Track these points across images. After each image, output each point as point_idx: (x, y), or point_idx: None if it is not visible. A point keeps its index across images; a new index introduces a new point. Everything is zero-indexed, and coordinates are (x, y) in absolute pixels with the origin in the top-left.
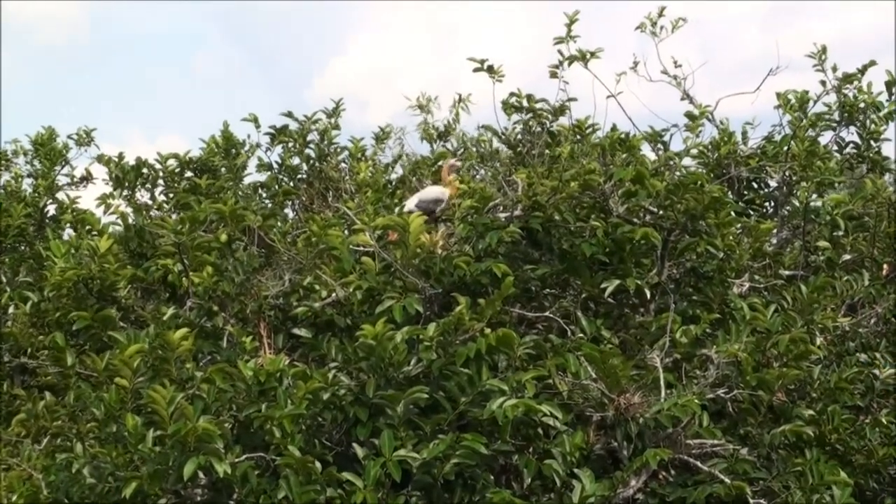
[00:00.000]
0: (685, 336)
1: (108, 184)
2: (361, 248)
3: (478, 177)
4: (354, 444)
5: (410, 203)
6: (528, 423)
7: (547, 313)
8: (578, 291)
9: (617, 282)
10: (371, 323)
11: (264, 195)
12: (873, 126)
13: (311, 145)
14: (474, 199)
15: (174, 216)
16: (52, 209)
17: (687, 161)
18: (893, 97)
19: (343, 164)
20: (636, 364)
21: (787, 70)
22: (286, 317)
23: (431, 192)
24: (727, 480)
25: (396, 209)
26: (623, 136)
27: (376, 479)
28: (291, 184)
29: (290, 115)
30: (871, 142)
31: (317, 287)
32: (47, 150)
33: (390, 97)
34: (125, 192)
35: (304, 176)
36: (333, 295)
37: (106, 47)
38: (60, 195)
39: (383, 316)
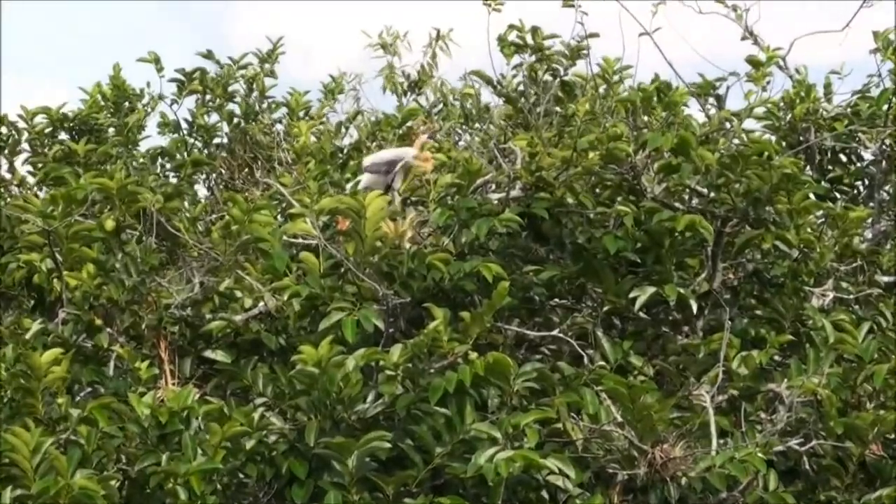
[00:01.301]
0: (745, 365)
1: None
2: (300, 241)
3: (462, 143)
4: None
5: (363, 162)
6: (529, 483)
7: (555, 332)
8: (598, 302)
9: (652, 290)
10: (312, 343)
11: (167, 166)
12: None
13: (236, 99)
14: (456, 173)
15: (42, 194)
16: None
17: (749, 124)
18: None
19: (278, 126)
20: (677, 403)
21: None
22: (196, 334)
23: (388, 150)
24: None
25: (349, 186)
26: (662, 88)
27: None
28: (206, 151)
29: (209, 55)
30: None
31: (238, 294)
32: None
33: (344, 43)
34: None
35: (224, 140)
36: (261, 305)
37: None
38: None
39: (330, 334)
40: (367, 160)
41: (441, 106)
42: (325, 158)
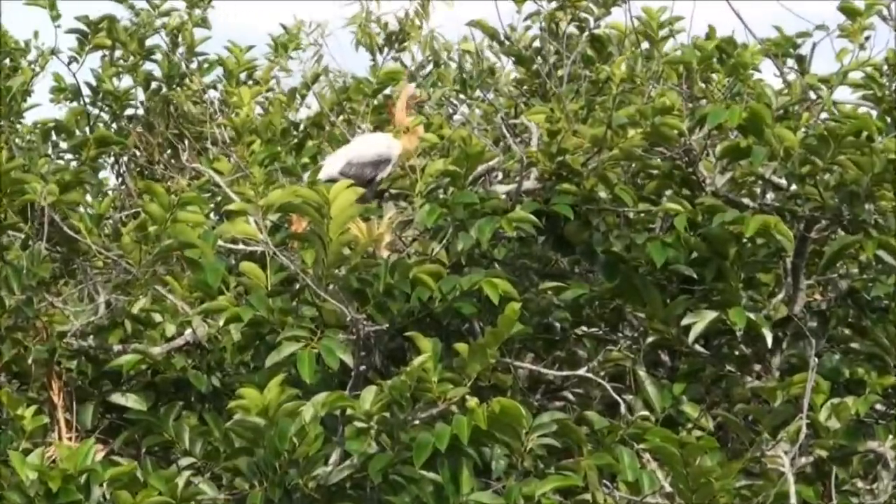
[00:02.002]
0: (837, 417)
1: None
2: (241, 247)
3: (458, 117)
4: None
5: (332, 165)
6: None
7: (582, 371)
8: (640, 331)
9: (711, 315)
10: (257, 385)
11: (63, 146)
12: None
13: (155, 56)
14: (451, 157)
15: None
16: None
17: (842, 93)
18: None
19: (212, 93)
20: (746, 468)
21: None
22: (100, 371)
23: (370, 144)
24: None
25: (306, 175)
26: (725, 46)
27: None
28: (115, 126)
29: None
30: None
31: (158, 317)
32: None
33: None
34: None
35: (140, 112)
36: (188, 333)
37: None
38: None
39: (280, 372)
40: (338, 161)
41: (431, 67)
42: (275, 137)
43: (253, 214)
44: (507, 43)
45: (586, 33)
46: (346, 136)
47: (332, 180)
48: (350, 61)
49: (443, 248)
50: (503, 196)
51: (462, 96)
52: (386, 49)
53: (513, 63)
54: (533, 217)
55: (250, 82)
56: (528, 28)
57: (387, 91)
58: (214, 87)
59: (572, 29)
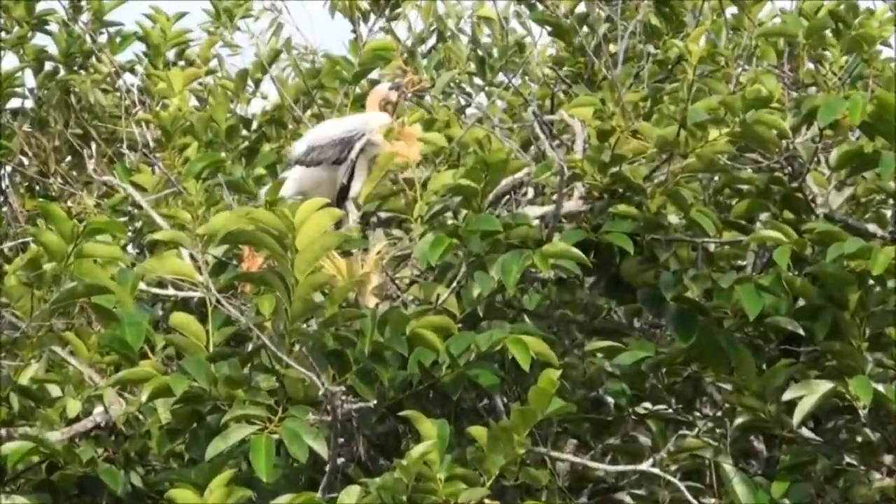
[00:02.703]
0: None
1: None
2: (172, 293)
3: (472, 111)
4: None
5: (290, 159)
6: None
7: (646, 465)
8: (725, 409)
9: (825, 386)
10: (194, 485)
11: None
12: None
13: (50, 27)
14: (464, 169)
15: None
16: None
17: None
18: None
19: (129, 78)
20: None
21: None
22: None
23: (336, 122)
24: None
25: (263, 192)
26: (842, 12)
27: None
28: None
29: None
30: None
31: (56, 391)
32: None
33: None
34: None
35: (29, 104)
36: (98, 412)
37: None
38: None
39: (227, 466)
40: (301, 142)
41: (435, 41)
42: (218, 138)
43: (188, 247)
44: (540, 7)
45: None
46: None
47: (296, 195)
48: (323, 33)
49: (452, 293)
50: (536, 222)
51: (478, 82)
52: (372, 16)
53: (549, 35)
54: (577, 251)
55: (182, 63)
56: None
57: (374, 74)
58: (132, 70)
59: None
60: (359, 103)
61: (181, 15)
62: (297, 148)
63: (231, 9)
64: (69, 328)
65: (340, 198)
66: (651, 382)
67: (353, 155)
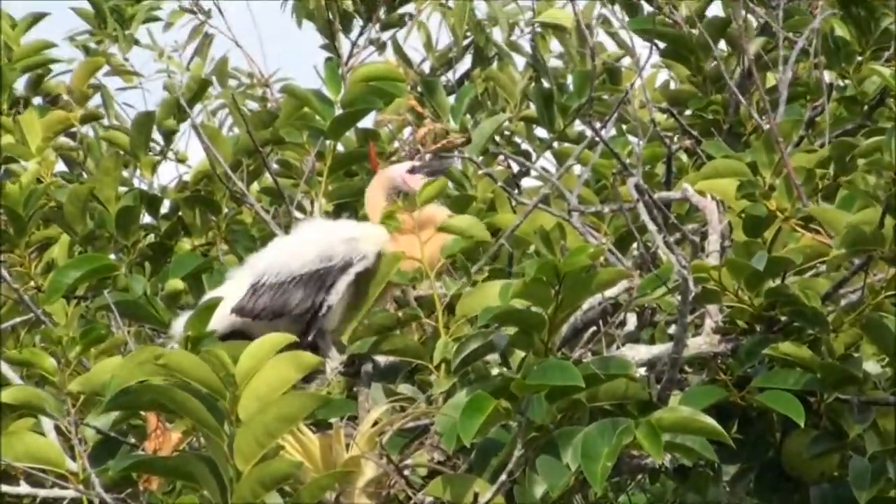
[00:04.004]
0: None
1: None
2: (26, 491)
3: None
4: None
5: (228, 296)
6: None
7: None
8: None
9: None
10: None
11: None
12: None
13: None
14: (519, 281)
15: None
16: None
17: None
18: None
19: None
20: None
21: None
22: None
23: (308, 238)
24: None
25: (178, 323)
26: None
27: None
28: None
29: None
30: None
31: None
32: None
33: None
34: None
35: None
36: None
37: None
38: None
39: None
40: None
41: (470, 65)
42: (105, 229)
43: (53, 414)
44: (646, 8)
45: None
46: (270, 227)
47: (234, 334)
48: (280, 49)
49: (500, 493)
50: (641, 371)
51: (543, 133)
52: (361, 20)
53: (661, 56)
54: (709, 421)
55: (39, 101)
56: None
57: (367, 120)
58: None
59: None
60: (341, 171)
61: (38, 18)
62: (235, 283)
63: (123, 8)
64: None
65: (306, 328)
66: None
67: (333, 299)
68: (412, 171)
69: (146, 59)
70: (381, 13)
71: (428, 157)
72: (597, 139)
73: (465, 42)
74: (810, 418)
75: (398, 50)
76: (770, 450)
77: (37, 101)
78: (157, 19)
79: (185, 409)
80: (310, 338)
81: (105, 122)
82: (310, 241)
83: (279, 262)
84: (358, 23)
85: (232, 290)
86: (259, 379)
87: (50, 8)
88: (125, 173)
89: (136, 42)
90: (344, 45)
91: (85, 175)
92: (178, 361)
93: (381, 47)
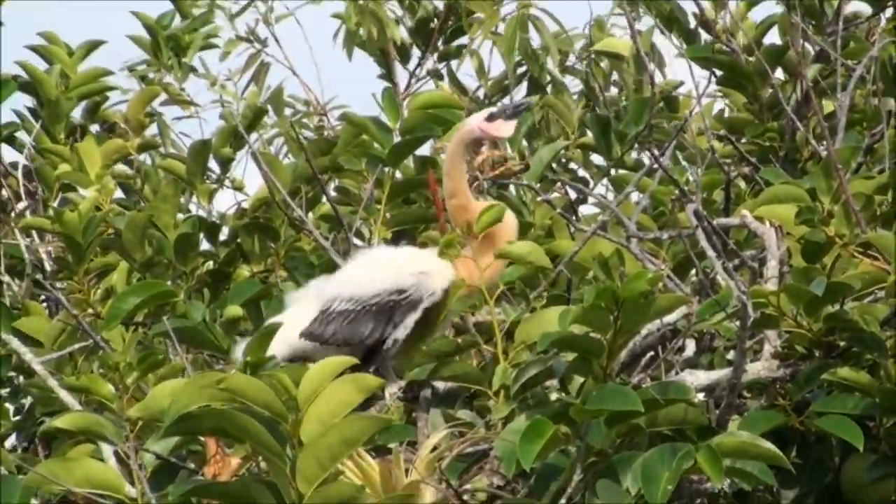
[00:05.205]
0: None
1: None
2: None
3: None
4: None
5: (292, 322)
6: None
7: None
8: None
9: None
10: None
11: None
12: None
13: None
14: (578, 307)
15: None
16: None
17: None
18: None
19: (9, 155)
20: None
21: None
22: None
23: (375, 270)
24: None
25: (239, 349)
26: None
27: None
28: None
29: None
30: None
31: None
32: None
33: None
34: None
35: None
36: None
37: None
38: None
39: None
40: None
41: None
42: (163, 256)
43: (112, 439)
44: (703, 37)
45: (889, 12)
46: (329, 254)
47: (294, 359)
48: (336, 78)
49: None
50: (700, 396)
51: (600, 160)
52: (417, 49)
53: (718, 84)
54: (769, 446)
55: (96, 128)
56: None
57: (425, 148)
58: (11, 141)
59: (857, 5)
60: (399, 198)
61: (94, 46)
62: (299, 309)
63: (179, 37)
64: None
65: (369, 355)
66: None
67: (401, 335)
68: (490, 118)
69: (200, 88)
70: (439, 43)
71: (505, 101)
72: (655, 166)
73: (520, 70)
74: (869, 443)
75: (453, 78)
76: (829, 474)
77: (94, 128)
78: (213, 46)
79: (248, 434)
80: (371, 369)
81: (161, 150)
82: (380, 271)
83: (350, 290)
84: (415, 53)
85: (295, 317)
86: (321, 402)
87: (107, 36)
88: (181, 200)
89: (193, 70)
90: (401, 74)
91: (143, 203)
92: (240, 385)
93: (439, 77)
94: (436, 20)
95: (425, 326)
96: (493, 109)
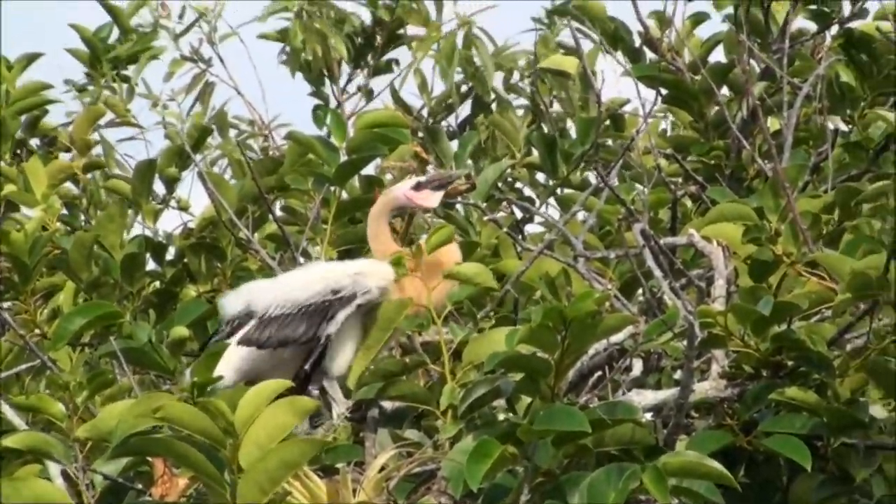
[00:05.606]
0: None
1: None
2: None
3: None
4: None
5: (232, 350)
6: None
7: None
8: None
9: None
10: None
11: None
12: None
13: None
14: (524, 327)
15: None
16: None
17: None
18: None
19: None
20: None
21: None
22: None
23: (312, 274)
24: None
25: (187, 371)
26: None
27: None
28: None
29: None
30: None
31: None
32: None
33: None
34: None
35: None
36: None
37: None
38: None
39: None
40: (245, 303)
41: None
42: (110, 276)
43: (60, 460)
44: (648, 56)
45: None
46: (276, 273)
47: (242, 378)
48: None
49: None
50: (647, 416)
51: (545, 179)
52: (353, 65)
53: (663, 102)
54: (716, 465)
55: (36, 143)
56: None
57: (370, 167)
58: None
59: (803, 23)
60: (345, 218)
61: (32, 58)
62: (235, 311)
63: (121, 55)
64: None
65: (308, 376)
66: None
67: (332, 329)
68: (417, 187)
69: (143, 108)
70: (369, 59)
71: (431, 172)
72: (601, 185)
73: (464, 88)
74: (817, 462)
75: (395, 97)
76: (777, 494)
77: (34, 141)
78: (156, 58)
79: (186, 460)
80: (308, 366)
81: (106, 171)
82: (317, 274)
83: (283, 294)
84: (345, 69)
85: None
86: (258, 426)
87: (47, 44)
88: (129, 220)
89: (132, 91)
90: (332, 91)
91: (89, 223)
92: (177, 413)
93: (369, 94)
94: (363, 35)
95: (362, 329)
96: (421, 178)
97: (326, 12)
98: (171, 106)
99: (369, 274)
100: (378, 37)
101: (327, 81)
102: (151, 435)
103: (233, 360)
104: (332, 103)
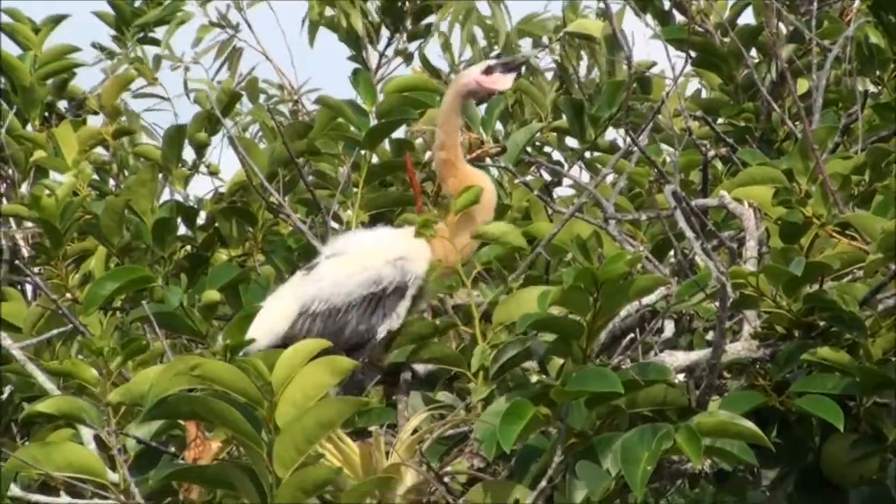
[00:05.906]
0: None
1: None
2: (66, 503)
3: (563, 195)
4: None
5: (272, 318)
6: None
7: None
8: None
9: None
10: None
11: None
12: None
13: None
14: (555, 290)
15: None
16: None
17: None
18: None
19: None
20: None
21: None
22: None
23: (355, 262)
24: None
25: (219, 337)
26: None
27: None
28: None
29: None
30: None
31: None
32: None
33: None
34: None
35: None
36: None
37: None
38: None
39: None
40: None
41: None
42: (141, 241)
43: (92, 424)
44: (678, 18)
45: None
46: (307, 238)
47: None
48: (309, 61)
49: (540, 498)
50: (679, 377)
51: (574, 143)
52: (386, 29)
53: (692, 66)
54: (749, 425)
55: (65, 106)
56: None
57: (399, 131)
58: None
59: None
60: (376, 182)
61: (58, 20)
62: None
63: (149, 20)
64: None
65: (356, 352)
66: None
67: (394, 325)
68: (487, 71)
69: (167, 76)
70: (408, 23)
71: (500, 57)
72: (631, 148)
73: (493, 53)
74: (849, 422)
75: (425, 61)
76: (809, 454)
77: (62, 104)
78: (183, 23)
79: (223, 419)
80: (359, 360)
81: (137, 136)
82: (359, 262)
83: (328, 286)
84: (385, 34)
85: (269, 308)
86: (295, 385)
87: (72, 8)
88: (160, 186)
89: (159, 58)
90: (371, 56)
91: (120, 188)
92: (214, 371)
93: (409, 58)
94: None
95: (412, 309)
96: (491, 62)
97: None
98: (197, 69)
99: (411, 259)
100: (408, 3)
101: (369, 47)
102: (185, 395)
103: (264, 326)
104: (373, 67)
